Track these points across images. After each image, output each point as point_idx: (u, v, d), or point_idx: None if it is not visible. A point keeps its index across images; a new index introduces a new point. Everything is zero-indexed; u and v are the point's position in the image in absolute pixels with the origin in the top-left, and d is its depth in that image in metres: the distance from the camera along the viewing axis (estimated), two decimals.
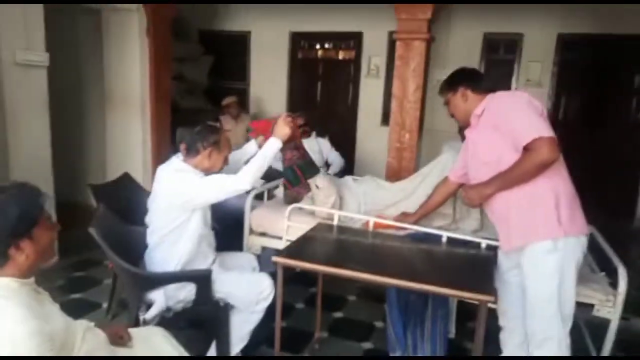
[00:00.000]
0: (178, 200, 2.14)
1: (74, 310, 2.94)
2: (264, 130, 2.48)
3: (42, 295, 1.43)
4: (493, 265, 2.18)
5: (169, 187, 2.18)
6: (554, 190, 1.92)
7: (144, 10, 4.29)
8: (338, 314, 3.11)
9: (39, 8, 3.33)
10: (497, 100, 2.03)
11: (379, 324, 2.98)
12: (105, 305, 2.99)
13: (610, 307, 2.26)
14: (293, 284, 3.32)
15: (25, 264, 1.33)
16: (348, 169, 5.39)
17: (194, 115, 5.46)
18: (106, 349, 1.56)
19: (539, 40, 5.08)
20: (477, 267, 2.20)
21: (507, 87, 5.21)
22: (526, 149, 1.85)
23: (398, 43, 3.56)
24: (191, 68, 5.97)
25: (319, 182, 2.85)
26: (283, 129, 2.31)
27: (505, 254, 2.14)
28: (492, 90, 2.11)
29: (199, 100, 6.16)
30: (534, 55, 5.14)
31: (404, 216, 2.68)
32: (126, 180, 3.13)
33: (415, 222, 2.63)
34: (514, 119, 1.91)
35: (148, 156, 4.53)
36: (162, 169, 2.26)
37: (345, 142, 5.83)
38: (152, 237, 2.25)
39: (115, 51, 4.42)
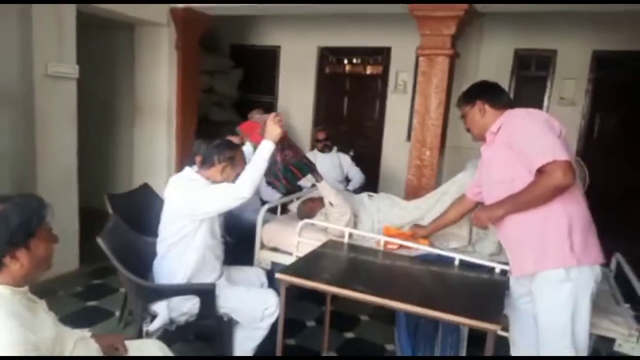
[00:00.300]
0: (185, 210, 2.16)
1: (88, 317, 3.02)
2: (250, 130, 2.45)
3: (36, 304, 1.45)
4: (504, 292, 2.08)
5: (177, 197, 2.20)
6: (568, 216, 1.83)
7: (174, 25, 4.40)
8: (349, 334, 3.04)
9: (72, 23, 3.47)
10: (513, 118, 1.95)
11: (390, 347, 2.89)
12: (118, 313, 3.03)
13: (633, 343, 2.12)
14: (305, 300, 3.28)
15: (20, 273, 1.34)
16: (373, 184, 5.33)
17: (222, 127, 5.54)
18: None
19: (573, 57, 4.90)
20: (487, 293, 2.11)
21: (539, 105, 5.05)
22: (540, 171, 1.77)
23: (421, 59, 3.51)
24: (221, 81, 6.07)
25: (333, 200, 2.81)
26: (274, 129, 2.27)
27: (517, 280, 2.05)
28: (511, 106, 2.04)
29: (229, 113, 6.24)
30: (567, 73, 4.96)
31: (416, 227, 2.65)
32: (145, 190, 3.19)
33: (427, 235, 2.60)
34: (529, 139, 1.83)
35: (172, 166, 4.61)
36: (174, 179, 2.28)
37: (370, 158, 5.78)
38: (161, 246, 2.27)
39: (146, 64, 4.56)
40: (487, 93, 2.07)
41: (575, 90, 4.95)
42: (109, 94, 5.07)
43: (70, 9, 3.43)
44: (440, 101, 3.47)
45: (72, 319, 3.02)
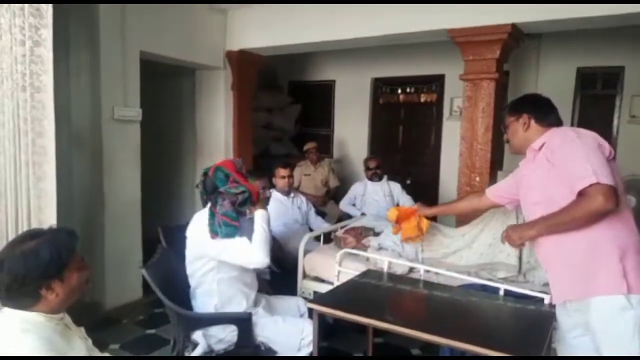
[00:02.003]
0: (212, 252, 2.23)
1: (146, 345, 3.19)
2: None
3: (71, 330, 1.55)
4: (551, 324, 1.94)
5: (200, 236, 2.25)
6: (619, 240, 1.72)
7: (230, 68, 4.68)
8: None
9: (136, 71, 3.79)
10: (558, 136, 1.87)
11: None
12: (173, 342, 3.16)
13: None
14: (354, 332, 3.23)
15: (55, 301, 1.45)
16: None
17: (281, 160, 5.71)
18: None
19: None
20: (531, 326, 1.97)
21: (609, 124, 4.75)
22: (581, 193, 1.68)
23: (465, 84, 3.46)
24: (279, 117, 6.31)
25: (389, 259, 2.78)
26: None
27: (565, 310, 1.91)
28: (558, 125, 1.97)
29: (287, 147, 6.45)
30: (638, 89, 4.63)
31: (421, 205, 2.69)
32: None
33: (431, 216, 2.66)
34: (574, 159, 1.74)
35: None
36: (197, 217, 2.35)
37: (427, 186, 5.68)
38: (191, 280, 2.35)
39: (205, 105, 4.86)
40: (535, 108, 2.01)
41: None
42: (175, 133, 5.44)
43: (135, 59, 3.76)
44: (488, 126, 3.38)
45: (132, 346, 3.21)
